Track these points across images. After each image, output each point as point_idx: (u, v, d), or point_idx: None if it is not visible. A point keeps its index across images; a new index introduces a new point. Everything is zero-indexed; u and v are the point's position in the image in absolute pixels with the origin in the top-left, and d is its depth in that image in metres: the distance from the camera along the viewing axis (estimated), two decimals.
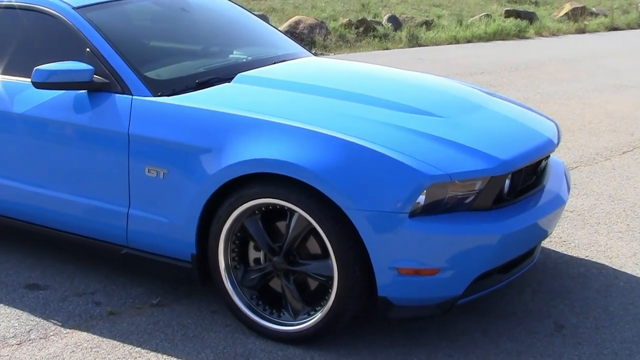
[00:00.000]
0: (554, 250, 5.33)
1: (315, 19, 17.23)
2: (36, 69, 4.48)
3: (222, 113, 4.22)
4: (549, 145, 4.46)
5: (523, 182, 4.26)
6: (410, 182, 3.75)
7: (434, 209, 3.83)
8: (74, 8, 4.85)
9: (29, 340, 4.22)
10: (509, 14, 20.73)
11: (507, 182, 4.09)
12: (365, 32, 17.13)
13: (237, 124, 4.14)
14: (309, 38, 15.84)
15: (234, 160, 4.00)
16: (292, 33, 15.55)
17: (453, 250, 3.80)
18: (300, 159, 3.85)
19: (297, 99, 4.47)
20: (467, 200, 3.90)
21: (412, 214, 3.75)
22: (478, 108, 4.67)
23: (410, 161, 3.80)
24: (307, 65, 5.41)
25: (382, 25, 17.95)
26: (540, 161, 4.44)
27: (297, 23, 16.64)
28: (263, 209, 4.06)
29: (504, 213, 4.01)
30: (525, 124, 4.62)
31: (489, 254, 3.88)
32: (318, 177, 3.79)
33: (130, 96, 4.46)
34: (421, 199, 3.77)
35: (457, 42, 17.61)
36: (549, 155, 4.62)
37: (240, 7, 6.13)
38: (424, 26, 18.54)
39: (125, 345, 4.15)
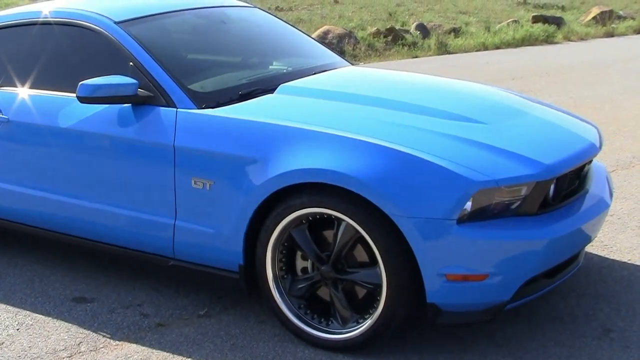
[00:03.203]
0: (596, 255, 5.31)
1: (344, 29, 17.32)
2: (81, 84, 4.52)
3: (267, 124, 4.25)
4: (592, 150, 4.46)
5: (567, 187, 4.26)
6: (457, 188, 3.75)
7: (481, 215, 3.83)
8: (115, 22, 4.91)
9: (79, 352, 4.26)
10: (536, 19, 20.68)
11: (552, 187, 4.09)
12: (394, 41, 17.18)
13: (283, 135, 4.16)
14: (338, 48, 15.89)
15: (281, 170, 4.02)
16: (321, 43, 15.55)
17: (501, 256, 3.79)
18: (348, 168, 3.86)
19: (341, 108, 4.49)
20: (513, 206, 3.90)
21: (460, 221, 3.76)
22: (520, 114, 4.67)
23: (457, 168, 3.81)
24: (348, 74, 5.43)
25: (411, 33, 18.01)
26: (584, 166, 4.44)
27: (326, 33, 16.74)
28: (310, 218, 4.08)
29: (550, 218, 4.00)
30: (568, 129, 4.62)
31: (536, 258, 3.87)
32: (366, 185, 3.80)
33: (175, 109, 4.50)
34: (468, 205, 3.77)
35: (486, 48, 17.64)
36: (592, 160, 4.61)
37: (277, 19, 6.16)
38: (452, 33, 18.60)
39: (176, 356, 4.19)
